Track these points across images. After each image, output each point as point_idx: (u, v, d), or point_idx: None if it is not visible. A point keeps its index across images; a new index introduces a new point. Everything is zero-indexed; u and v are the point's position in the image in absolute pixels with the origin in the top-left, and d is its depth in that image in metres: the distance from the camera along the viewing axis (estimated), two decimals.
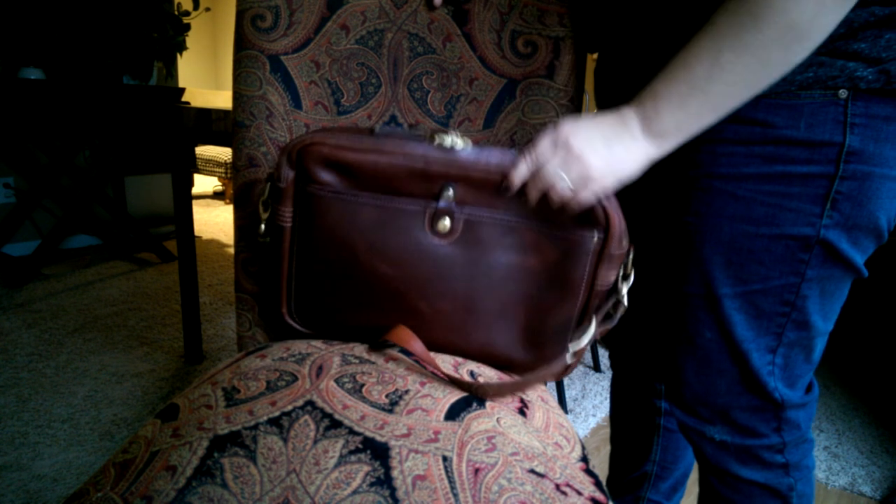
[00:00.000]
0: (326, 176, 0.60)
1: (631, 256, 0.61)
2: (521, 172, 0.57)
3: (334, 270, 0.64)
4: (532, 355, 0.64)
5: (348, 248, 0.62)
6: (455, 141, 0.59)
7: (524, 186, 0.59)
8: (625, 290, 0.61)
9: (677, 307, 0.65)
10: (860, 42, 0.52)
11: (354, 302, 0.64)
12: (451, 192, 0.59)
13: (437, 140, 0.59)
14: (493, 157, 0.59)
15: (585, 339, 0.62)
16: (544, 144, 0.56)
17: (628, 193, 0.76)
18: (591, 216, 0.58)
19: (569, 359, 0.62)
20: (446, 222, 0.60)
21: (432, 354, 0.64)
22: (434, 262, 0.61)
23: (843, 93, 0.53)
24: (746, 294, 0.60)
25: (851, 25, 0.52)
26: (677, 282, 0.64)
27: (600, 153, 0.54)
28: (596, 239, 0.58)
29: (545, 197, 0.58)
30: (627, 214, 0.78)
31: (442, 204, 0.60)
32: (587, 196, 0.55)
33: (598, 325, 0.62)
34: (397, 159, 0.59)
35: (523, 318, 0.63)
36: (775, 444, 0.66)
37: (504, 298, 0.62)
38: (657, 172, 0.67)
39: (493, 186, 0.59)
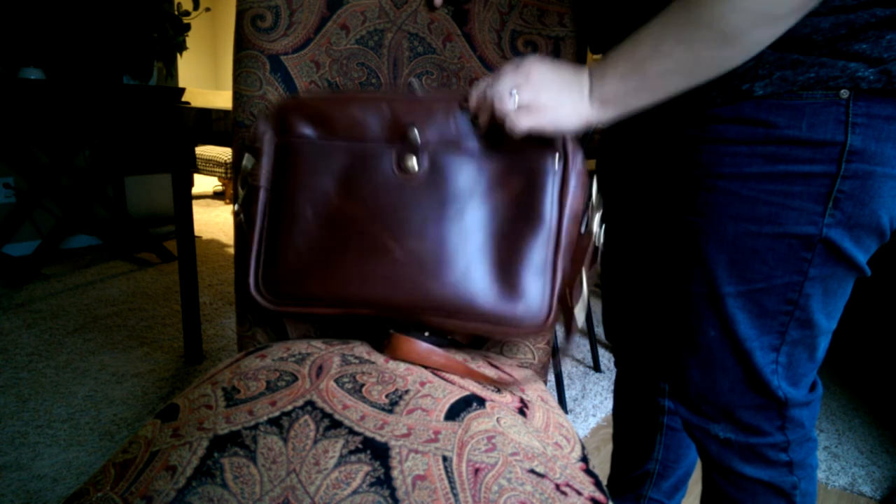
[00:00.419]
0: (303, 128, 0.65)
1: (595, 186, 0.64)
2: (479, 87, 0.60)
3: (307, 223, 0.64)
4: (509, 302, 0.61)
5: (321, 193, 0.64)
6: (417, 86, 0.65)
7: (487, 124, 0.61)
8: (595, 224, 0.63)
9: (681, 306, 0.65)
10: (862, 43, 0.52)
11: (326, 255, 0.63)
12: (415, 132, 0.63)
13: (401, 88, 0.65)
14: (451, 92, 0.64)
15: (583, 290, 0.63)
16: (507, 66, 0.59)
17: (631, 194, 0.76)
18: (549, 143, 0.61)
19: (579, 318, 0.62)
20: (413, 162, 0.63)
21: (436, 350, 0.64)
22: (403, 200, 0.62)
23: (844, 93, 0.53)
24: (750, 293, 0.60)
25: (853, 26, 0.52)
26: (681, 280, 0.65)
27: (551, 91, 0.57)
28: (557, 161, 0.61)
29: (501, 129, 0.60)
30: (630, 214, 0.78)
31: (408, 143, 0.63)
32: (526, 123, 0.57)
33: (588, 271, 0.63)
34: (365, 106, 0.64)
35: (495, 253, 0.62)
36: (779, 442, 0.66)
37: (474, 233, 0.62)
38: (660, 172, 0.67)
39: (454, 121, 0.63)
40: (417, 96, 0.64)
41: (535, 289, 0.61)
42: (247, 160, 0.68)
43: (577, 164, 0.61)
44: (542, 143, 0.61)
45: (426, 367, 0.60)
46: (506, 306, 0.61)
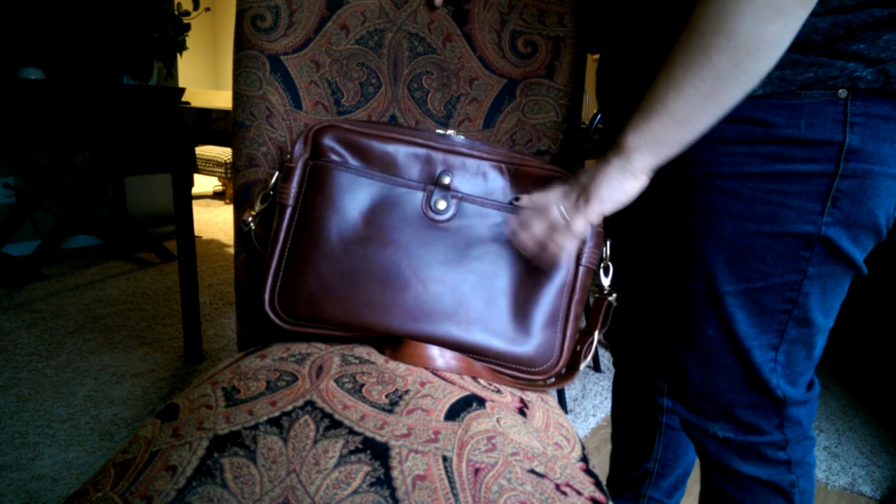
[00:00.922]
0: (338, 155, 0.66)
1: (608, 246, 0.68)
2: (530, 199, 0.65)
3: (332, 247, 0.64)
4: (522, 345, 0.64)
5: (349, 219, 0.65)
6: (451, 133, 0.68)
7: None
8: (606, 282, 0.67)
9: (680, 305, 0.66)
10: (859, 43, 0.52)
11: (347, 281, 0.64)
12: (448, 177, 0.66)
13: (437, 131, 0.69)
14: (487, 147, 0.68)
15: (594, 346, 0.68)
16: (558, 190, 0.63)
17: None
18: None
19: (582, 366, 0.67)
20: (442, 205, 0.66)
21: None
22: (429, 239, 0.65)
23: (842, 92, 0.53)
24: (749, 291, 0.61)
25: (851, 27, 0.52)
26: (679, 279, 0.65)
27: (594, 180, 0.59)
28: None
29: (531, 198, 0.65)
30: (628, 213, 0.78)
31: (439, 187, 0.66)
32: (578, 225, 0.60)
33: (601, 330, 0.68)
34: (402, 143, 0.67)
35: (512, 299, 0.65)
36: (778, 440, 0.66)
37: (493, 278, 0.65)
38: (658, 172, 0.67)
39: (485, 174, 0.67)
40: (455, 146, 0.67)
41: (548, 335, 0.65)
42: (275, 176, 0.70)
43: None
44: None
45: (425, 368, 0.60)
46: (519, 349, 0.64)
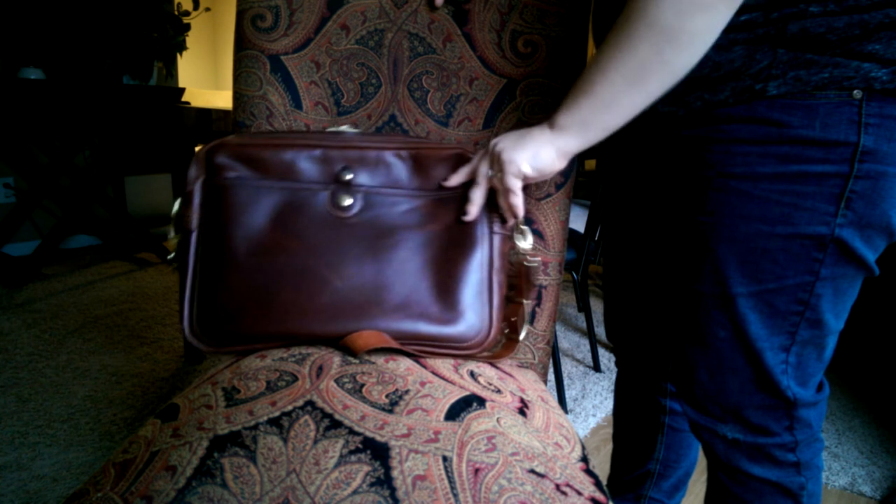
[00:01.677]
0: (233, 170, 0.66)
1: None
2: (460, 174, 0.67)
3: (240, 260, 0.64)
4: (450, 323, 0.64)
5: (255, 230, 0.65)
6: (346, 129, 0.69)
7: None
8: (525, 246, 0.67)
9: (690, 307, 0.65)
10: (875, 43, 0.52)
11: (262, 292, 0.63)
12: (349, 173, 0.66)
13: (331, 129, 0.69)
14: (383, 136, 0.68)
15: (526, 316, 0.68)
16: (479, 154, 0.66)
17: (634, 193, 0.76)
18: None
19: (522, 335, 0.67)
20: (347, 201, 0.66)
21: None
22: (339, 236, 0.65)
23: (857, 93, 0.53)
24: (761, 293, 0.60)
25: (867, 27, 0.52)
26: (690, 281, 0.64)
27: (516, 142, 0.62)
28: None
29: (441, 176, 0.67)
30: (633, 214, 0.78)
31: (341, 184, 0.66)
32: (507, 179, 0.62)
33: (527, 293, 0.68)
34: (297, 148, 0.67)
35: (433, 279, 0.65)
36: (787, 442, 0.66)
37: (410, 263, 0.65)
38: (669, 172, 0.67)
39: (386, 164, 0.67)
40: (350, 141, 0.67)
41: (474, 309, 0.65)
42: (177, 205, 0.68)
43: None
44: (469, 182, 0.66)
45: (425, 368, 0.60)
46: (447, 328, 0.64)
